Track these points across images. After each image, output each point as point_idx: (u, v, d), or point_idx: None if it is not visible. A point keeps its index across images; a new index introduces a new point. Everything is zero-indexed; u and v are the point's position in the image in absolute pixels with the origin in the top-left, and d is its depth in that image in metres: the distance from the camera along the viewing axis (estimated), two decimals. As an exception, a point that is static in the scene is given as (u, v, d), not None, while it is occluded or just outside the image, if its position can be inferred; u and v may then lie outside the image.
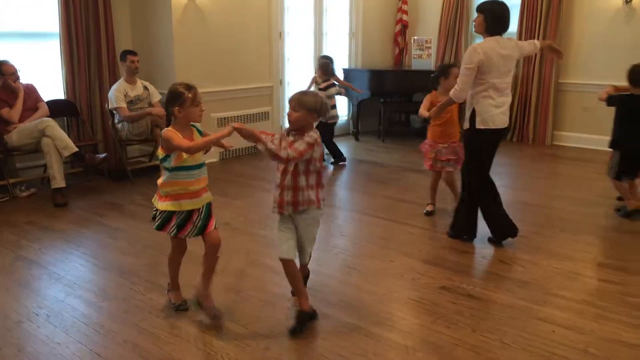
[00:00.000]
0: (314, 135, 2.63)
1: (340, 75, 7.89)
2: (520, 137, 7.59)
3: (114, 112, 5.49)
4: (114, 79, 5.71)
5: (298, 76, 7.35)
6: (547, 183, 5.30)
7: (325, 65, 6.14)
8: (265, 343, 2.65)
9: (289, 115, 2.64)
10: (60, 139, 4.83)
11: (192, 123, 2.73)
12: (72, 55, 5.52)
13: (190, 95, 2.60)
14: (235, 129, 2.51)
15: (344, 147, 7.48)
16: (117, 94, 5.40)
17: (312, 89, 6.19)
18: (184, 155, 2.61)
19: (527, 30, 7.33)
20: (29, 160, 5.26)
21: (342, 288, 3.26)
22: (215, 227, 2.81)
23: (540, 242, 4.00)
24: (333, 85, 6.17)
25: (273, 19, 6.77)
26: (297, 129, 2.65)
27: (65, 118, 5.58)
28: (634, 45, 6.50)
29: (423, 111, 4.20)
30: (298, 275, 2.82)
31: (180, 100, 2.58)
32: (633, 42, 6.56)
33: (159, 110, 5.46)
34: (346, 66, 8.12)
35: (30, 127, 4.86)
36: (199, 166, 2.72)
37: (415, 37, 8.16)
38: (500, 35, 3.64)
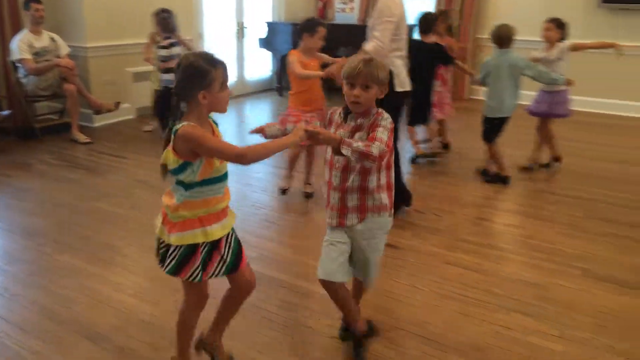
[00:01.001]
0: (388, 117, 1.99)
1: (264, 29, 7.71)
2: (440, 91, 7.76)
3: (18, 64, 5.11)
4: (16, 30, 5.28)
5: (217, 30, 7.12)
6: (462, 135, 5.48)
7: (165, 20, 5.17)
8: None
9: (355, 96, 1.94)
10: (-44, 95, 4.46)
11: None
12: (-34, 2, 5.05)
13: (219, 73, 1.77)
14: (308, 132, 1.86)
15: (267, 103, 7.41)
16: (20, 45, 5.02)
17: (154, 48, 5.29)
18: (217, 163, 1.81)
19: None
20: None
21: (262, 243, 3.26)
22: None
23: (454, 191, 4.17)
24: (177, 44, 5.24)
25: (190, -33, 6.45)
26: (363, 111, 2.00)
27: (-38, 72, 5.15)
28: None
29: (310, 71, 3.64)
30: (350, 298, 2.21)
31: (206, 82, 1.74)
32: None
33: (67, 61, 5.16)
34: (270, 20, 7.93)
35: None
36: (227, 175, 1.90)
37: (339, -9, 8.07)
38: None
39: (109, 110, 5.45)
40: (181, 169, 1.78)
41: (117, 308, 2.55)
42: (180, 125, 1.74)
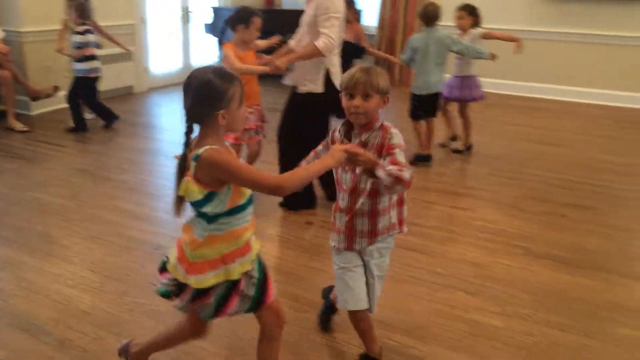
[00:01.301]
0: (397, 132, 1.84)
1: (209, 14, 7.56)
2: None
3: (-54, 50, 4.83)
4: (-58, 12, 4.99)
5: (161, 15, 6.95)
6: (409, 121, 5.56)
7: (83, 7, 4.88)
8: (123, 288, 2.56)
9: (355, 106, 1.79)
10: None
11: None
12: None
13: (237, 89, 1.60)
14: (348, 152, 1.66)
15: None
16: (-52, 29, 4.75)
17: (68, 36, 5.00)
18: (245, 191, 1.63)
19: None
20: None
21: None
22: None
23: (401, 176, 4.23)
24: (92, 30, 4.99)
25: (132, -51, 6.24)
26: (365, 123, 1.85)
27: None
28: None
29: (252, 66, 3.37)
30: (372, 325, 2.09)
31: (225, 101, 1.57)
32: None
33: (1, 47, 4.90)
34: (216, 4, 7.78)
35: None
36: (252, 199, 1.69)
37: (287, -24, 7.99)
38: None
39: (48, 96, 5.25)
40: (207, 200, 1.56)
41: (56, 299, 2.46)
42: (203, 149, 1.52)
